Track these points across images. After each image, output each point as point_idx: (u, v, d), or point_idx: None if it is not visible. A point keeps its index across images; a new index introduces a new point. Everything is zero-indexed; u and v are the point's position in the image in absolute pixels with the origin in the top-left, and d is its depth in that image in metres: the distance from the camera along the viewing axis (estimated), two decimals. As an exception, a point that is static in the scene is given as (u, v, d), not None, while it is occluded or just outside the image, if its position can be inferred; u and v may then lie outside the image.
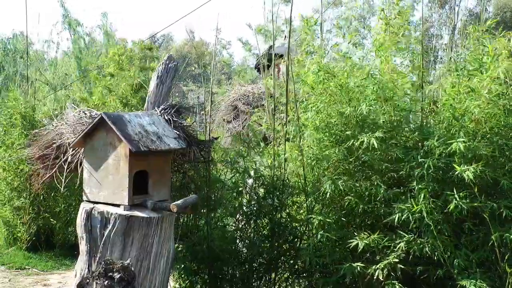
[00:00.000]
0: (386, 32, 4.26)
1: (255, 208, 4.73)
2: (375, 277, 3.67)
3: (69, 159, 4.22)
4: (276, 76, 6.81)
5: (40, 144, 4.46)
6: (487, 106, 3.65)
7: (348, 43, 4.54)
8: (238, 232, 4.82)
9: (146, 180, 3.72)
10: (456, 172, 3.49)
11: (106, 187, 3.67)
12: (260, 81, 9.40)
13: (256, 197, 4.73)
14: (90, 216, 3.61)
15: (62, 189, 4.46)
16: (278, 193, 4.56)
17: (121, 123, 3.62)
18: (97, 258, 3.57)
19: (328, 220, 3.98)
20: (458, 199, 3.46)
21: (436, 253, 3.60)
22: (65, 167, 4.23)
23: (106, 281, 3.16)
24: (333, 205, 4.22)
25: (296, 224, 4.58)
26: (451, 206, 3.47)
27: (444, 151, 3.62)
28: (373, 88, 3.99)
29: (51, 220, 7.54)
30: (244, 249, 4.74)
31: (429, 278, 3.71)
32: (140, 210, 3.63)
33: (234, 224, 4.97)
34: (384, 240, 3.74)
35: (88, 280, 3.29)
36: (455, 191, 3.50)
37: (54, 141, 4.34)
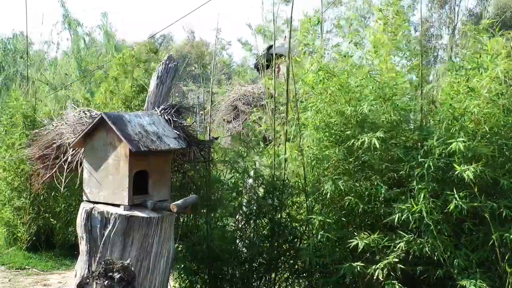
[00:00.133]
0: (384, 32, 4.25)
1: (255, 208, 4.73)
2: (375, 277, 3.67)
3: (69, 159, 4.22)
4: (276, 76, 6.80)
5: (40, 144, 4.47)
6: (487, 105, 3.64)
7: (349, 43, 4.53)
8: (238, 232, 4.82)
9: (146, 180, 3.72)
10: (456, 172, 3.48)
11: (106, 187, 3.67)
12: (260, 81, 9.39)
13: (256, 197, 4.73)
14: (90, 216, 3.61)
15: (62, 189, 4.47)
16: (278, 193, 4.56)
17: (121, 123, 3.62)
18: (97, 258, 3.56)
19: (328, 220, 3.98)
20: (458, 199, 3.45)
21: (436, 253, 3.60)
22: (65, 167, 4.23)
23: (106, 281, 3.17)
24: (333, 205, 4.21)
25: (296, 224, 4.58)
26: (451, 206, 3.47)
27: (444, 151, 3.61)
28: (372, 87, 3.99)
29: (51, 220, 7.55)
30: (244, 249, 4.74)
31: (429, 278, 3.70)
32: (140, 210, 3.63)
33: (234, 224, 4.97)
34: (384, 240, 3.74)
35: (88, 280, 3.30)
36: (455, 191, 3.49)
37: (54, 141, 4.35)
